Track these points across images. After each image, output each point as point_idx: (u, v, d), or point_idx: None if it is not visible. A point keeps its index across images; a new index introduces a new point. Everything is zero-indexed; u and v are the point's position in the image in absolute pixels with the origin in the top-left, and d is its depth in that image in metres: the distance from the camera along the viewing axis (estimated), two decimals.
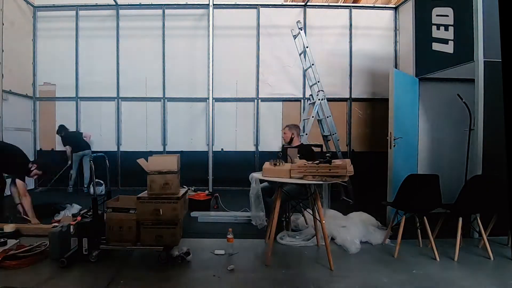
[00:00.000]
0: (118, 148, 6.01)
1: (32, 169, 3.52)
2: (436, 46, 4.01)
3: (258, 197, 3.30)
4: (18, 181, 3.37)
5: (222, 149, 6.02)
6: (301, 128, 4.67)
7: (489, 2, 3.23)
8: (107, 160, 4.46)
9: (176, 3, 5.99)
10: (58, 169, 5.25)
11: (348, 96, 6.07)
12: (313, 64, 4.93)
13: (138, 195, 2.65)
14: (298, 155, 2.93)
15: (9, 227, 3.07)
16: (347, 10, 6.10)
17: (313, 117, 4.74)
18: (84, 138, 5.56)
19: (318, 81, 4.89)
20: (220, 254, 2.79)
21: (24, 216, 3.39)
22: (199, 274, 2.43)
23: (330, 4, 6.68)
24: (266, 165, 2.72)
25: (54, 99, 6.07)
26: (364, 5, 6.87)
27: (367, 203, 4.28)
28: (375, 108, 5.95)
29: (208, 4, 5.52)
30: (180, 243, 2.79)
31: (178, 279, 2.35)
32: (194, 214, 4.00)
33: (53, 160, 5.51)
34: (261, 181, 3.27)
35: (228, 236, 2.84)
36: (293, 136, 3.59)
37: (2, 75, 4.98)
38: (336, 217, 3.45)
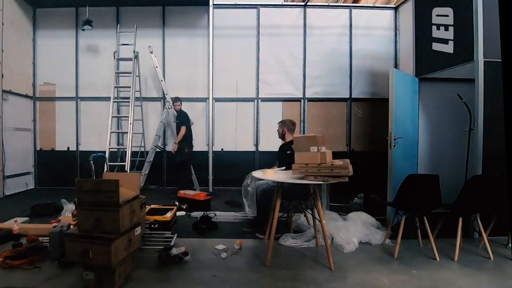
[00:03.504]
0: (118, 148, 6.01)
1: None
2: (436, 46, 4.01)
3: (252, 199, 3.34)
4: None
5: (222, 149, 6.02)
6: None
7: (489, 2, 3.24)
8: (106, 160, 4.46)
9: (176, 2, 5.98)
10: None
11: (348, 96, 6.07)
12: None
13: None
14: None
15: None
16: (347, 10, 6.10)
17: (161, 122, 5.58)
18: None
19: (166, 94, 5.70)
20: (221, 249, 2.82)
21: None
22: (199, 274, 2.43)
23: (330, 4, 6.69)
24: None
25: (54, 99, 6.08)
26: (364, 5, 6.88)
27: (367, 203, 4.29)
28: (375, 108, 5.95)
29: (208, 4, 5.53)
30: (180, 243, 2.80)
31: (178, 279, 2.35)
32: (194, 214, 4.00)
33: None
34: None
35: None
36: (284, 132, 3.58)
37: (2, 75, 4.98)
38: (336, 219, 3.43)
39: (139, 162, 5.74)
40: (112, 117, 5.43)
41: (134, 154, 5.55)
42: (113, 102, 5.42)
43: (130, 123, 5.20)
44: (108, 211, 2.11)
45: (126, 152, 5.20)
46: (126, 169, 4.96)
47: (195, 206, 4.26)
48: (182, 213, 4.10)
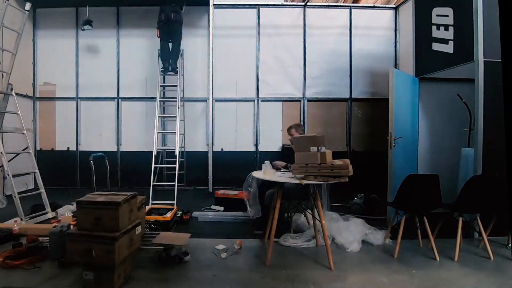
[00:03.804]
0: (118, 148, 6.01)
1: None
2: (436, 46, 4.01)
3: (255, 197, 3.34)
4: None
5: (222, 149, 6.02)
6: None
7: (489, 2, 3.23)
8: (106, 160, 4.45)
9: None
10: None
11: (348, 96, 6.07)
12: None
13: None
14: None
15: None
16: (347, 10, 6.10)
17: None
18: None
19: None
20: (221, 249, 2.82)
21: None
22: (199, 274, 2.43)
23: (330, 4, 6.68)
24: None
25: (54, 99, 6.08)
26: (364, 5, 6.88)
27: (367, 203, 4.29)
28: (375, 108, 5.95)
29: (208, 4, 5.53)
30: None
31: (178, 279, 2.35)
32: (194, 214, 4.00)
33: None
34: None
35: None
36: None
37: (2, 74, 4.97)
38: (337, 219, 3.42)
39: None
40: (159, 116, 5.25)
41: (170, 154, 5.41)
42: (159, 101, 5.24)
43: (178, 123, 4.99)
44: (107, 209, 2.13)
45: (169, 152, 4.99)
46: (175, 170, 4.66)
47: (235, 206, 4.16)
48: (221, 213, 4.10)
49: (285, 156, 3.70)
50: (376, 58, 5.98)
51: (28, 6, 4.23)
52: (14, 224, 3.11)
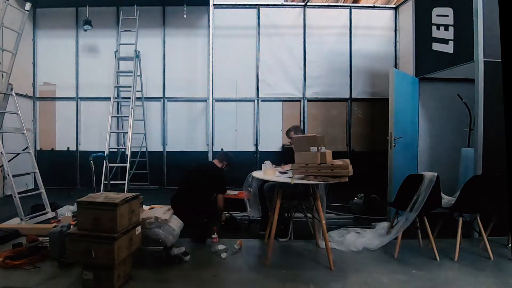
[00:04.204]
0: (118, 148, 6.00)
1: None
2: (436, 46, 4.01)
3: (255, 197, 3.33)
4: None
5: (222, 149, 6.00)
6: None
7: (489, 2, 3.23)
8: (106, 160, 4.45)
9: (176, 2, 5.97)
10: None
11: (348, 96, 6.07)
12: None
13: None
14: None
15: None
16: (347, 10, 6.10)
17: None
18: None
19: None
20: (221, 249, 2.81)
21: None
22: (199, 274, 2.43)
23: (330, 4, 6.69)
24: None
25: (54, 99, 6.08)
26: (364, 5, 6.88)
27: (367, 203, 4.29)
28: (375, 108, 5.95)
29: (208, 4, 5.52)
30: (180, 243, 2.80)
31: (178, 279, 2.35)
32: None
33: None
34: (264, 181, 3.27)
35: (213, 236, 2.91)
36: None
37: (2, 74, 4.97)
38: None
39: (138, 162, 5.73)
40: (112, 117, 5.36)
41: (134, 154, 5.52)
42: (113, 102, 5.38)
43: (130, 123, 5.14)
44: (105, 210, 2.13)
45: (125, 152, 5.11)
46: (126, 170, 4.91)
47: (235, 206, 4.08)
48: None
49: (285, 156, 3.70)
50: (376, 58, 5.98)
51: (28, 6, 4.23)
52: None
